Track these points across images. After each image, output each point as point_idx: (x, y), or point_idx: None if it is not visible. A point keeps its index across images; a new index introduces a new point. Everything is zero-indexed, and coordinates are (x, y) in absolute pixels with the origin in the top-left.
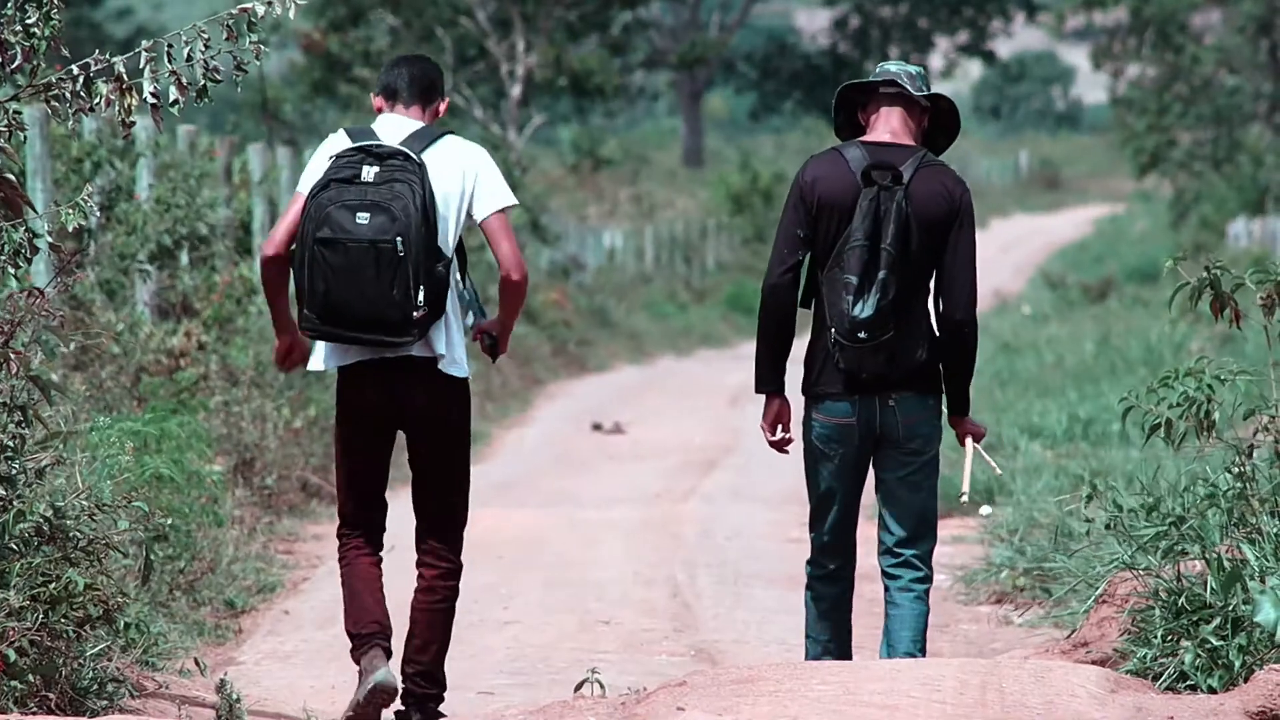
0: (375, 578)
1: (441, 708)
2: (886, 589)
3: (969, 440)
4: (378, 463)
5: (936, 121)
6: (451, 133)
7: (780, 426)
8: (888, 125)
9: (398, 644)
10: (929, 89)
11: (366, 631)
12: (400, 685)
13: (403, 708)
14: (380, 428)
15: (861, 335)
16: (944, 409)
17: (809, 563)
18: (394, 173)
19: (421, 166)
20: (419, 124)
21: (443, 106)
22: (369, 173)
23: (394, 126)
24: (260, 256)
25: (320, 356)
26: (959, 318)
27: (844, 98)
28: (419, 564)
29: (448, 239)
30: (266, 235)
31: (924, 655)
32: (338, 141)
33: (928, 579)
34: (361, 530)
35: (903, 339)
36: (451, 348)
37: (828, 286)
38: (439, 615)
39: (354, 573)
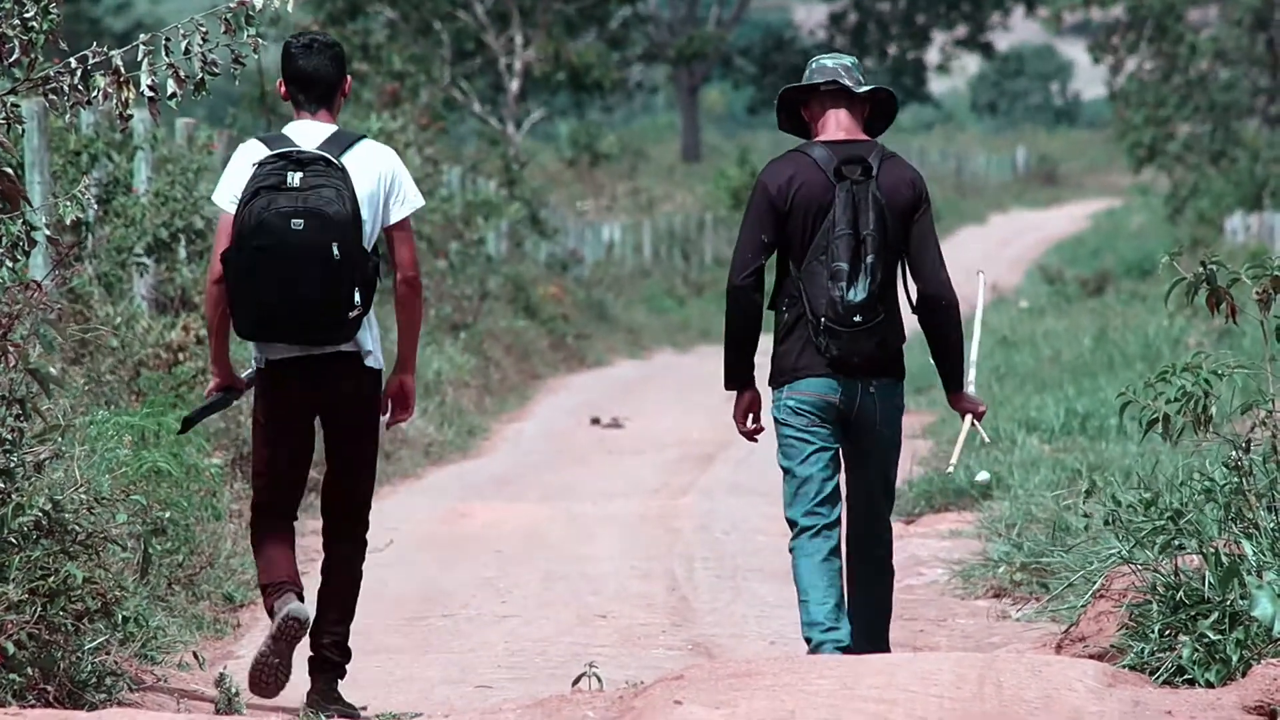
0: (287, 544)
1: (433, 700)
2: (851, 564)
3: (968, 417)
4: (301, 451)
5: (875, 109)
6: (364, 137)
7: (751, 417)
8: (839, 124)
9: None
10: (864, 79)
11: (277, 579)
12: (311, 618)
13: (315, 671)
14: (304, 417)
15: (857, 319)
16: (903, 393)
17: (795, 535)
18: (318, 177)
19: (344, 170)
20: (331, 127)
21: (347, 86)
22: (294, 178)
23: (308, 132)
24: (209, 281)
25: (254, 355)
26: (933, 292)
27: (785, 98)
28: (329, 540)
29: (371, 239)
30: None
31: (889, 623)
32: (254, 150)
33: (889, 546)
34: (279, 522)
35: (890, 320)
36: (375, 343)
37: (807, 280)
38: (351, 588)
39: (266, 541)
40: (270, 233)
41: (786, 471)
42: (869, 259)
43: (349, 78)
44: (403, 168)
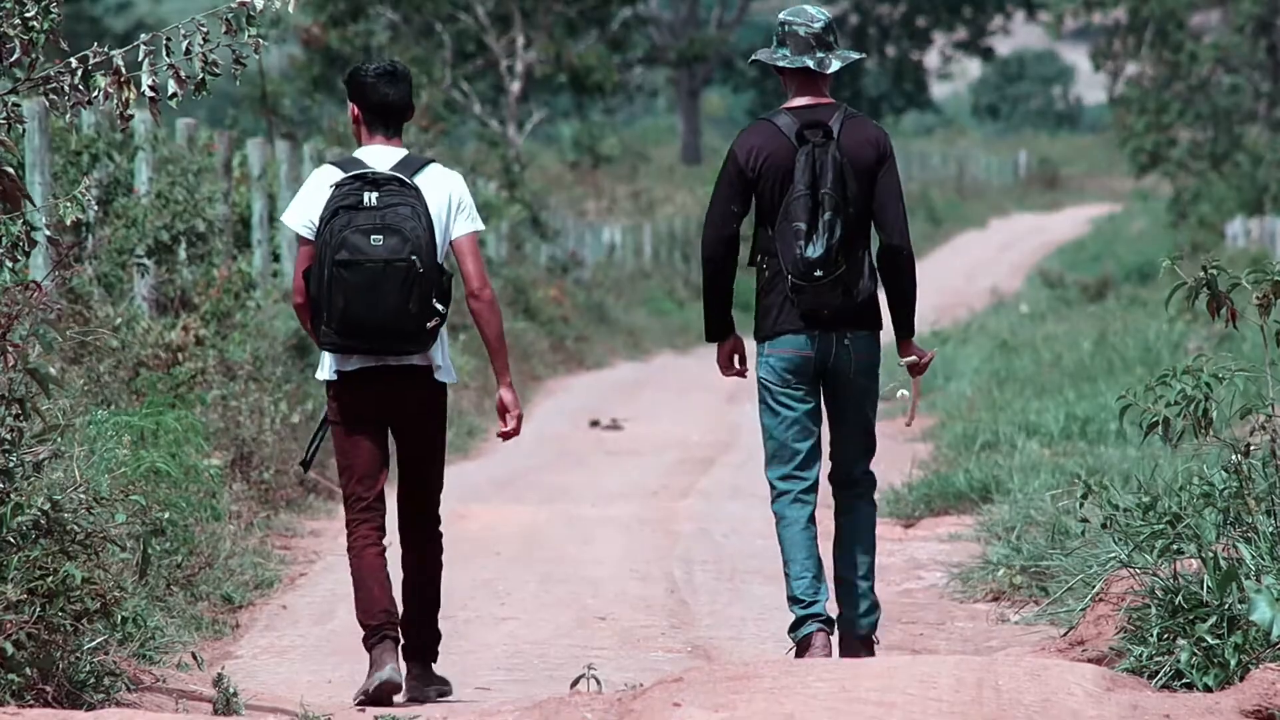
0: (380, 567)
1: (432, 701)
2: (837, 500)
3: (915, 380)
4: (378, 453)
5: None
6: (433, 161)
7: (737, 359)
8: (803, 90)
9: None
10: (836, 36)
11: (376, 623)
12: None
13: (410, 662)
14: (378, 424)
15: (817, 274)
16: (880, 340)
17: (774, 500)
18: (393, 196)
19: (417, 190)
20: (402, 151)
21: (412, 110)
22: (371, 197)
23: (380, 156)
24: (294, 304)
25: (326, 367)
26: (894, 243)
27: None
28: (405, 539)
29: (442, 255)
30: (265, 232)
31: (874, 553)
32: (329, 173)
33: (873, 484)
34: (368, 511)
35: (853, 274)
36: (445, 357)
37: (779, 239)
38: (434, 580)
39: (361, 564)
40: (351, 248)
41: (766, 431)
42: (826, 216)
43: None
44: (467, 191)
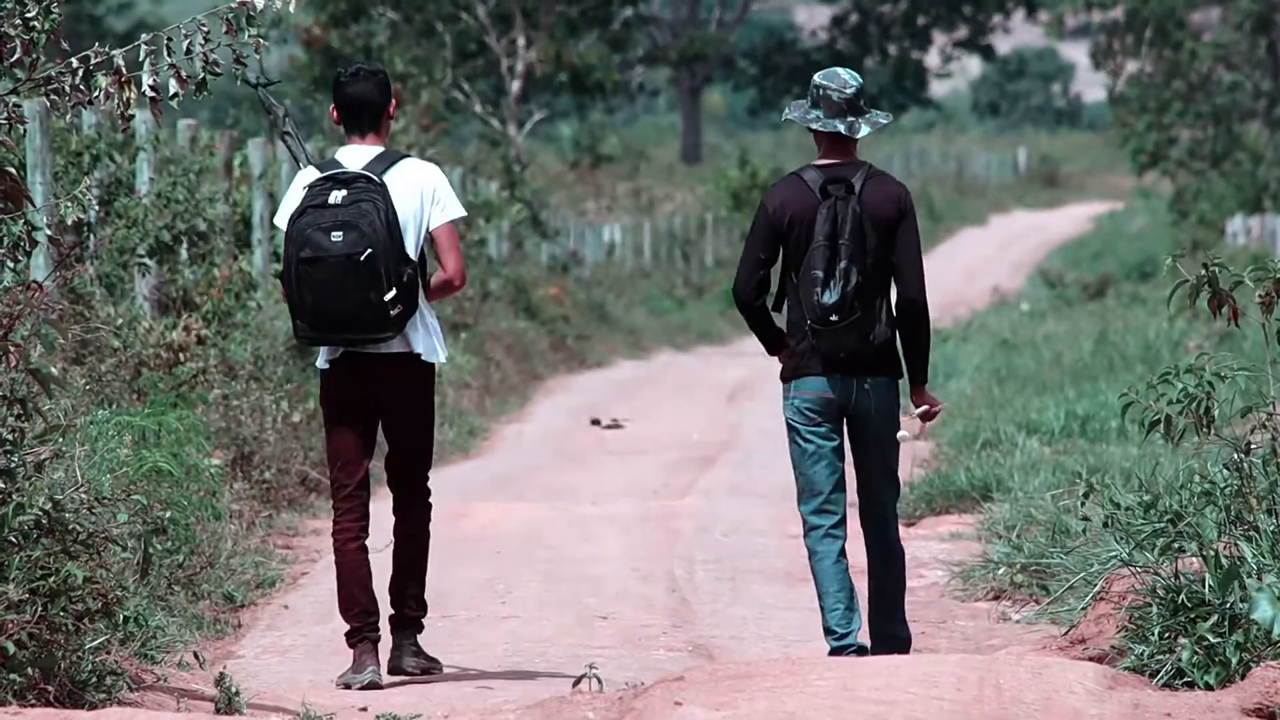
0: (361, 564)
1: (433, 700)
2: (869, 546)
3: (923, 426)
4: (364, 440)
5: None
6: (408, 156)
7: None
8: (835, 152)
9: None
10: (866, 99)
11: (357, 624)
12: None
13: (396, 629)
14: (364, 411)
15: (833, 319)
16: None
17: (806, 534)
18: (359, 194)
19: (383, 186)
20: (378, 149)
21: (392, 108)
22: (337, 196)
23: (356, 155)
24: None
25: (322, 354)
26: (910, 297)
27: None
28: (398, 510)
29: (411, 246)
30: (266, 232)
31: (904, 598)
32: (307, 174)
33: (895, 526)
34: (351, 499)
35: (869, 319)
36: (428, 340)
37: (801, 285)
38: (423, 550)
39: (344, 561)
40: (313, 245)
41: (795, 467)
42: (842, 264)
43: (394, 101)
44: (444, 181)
